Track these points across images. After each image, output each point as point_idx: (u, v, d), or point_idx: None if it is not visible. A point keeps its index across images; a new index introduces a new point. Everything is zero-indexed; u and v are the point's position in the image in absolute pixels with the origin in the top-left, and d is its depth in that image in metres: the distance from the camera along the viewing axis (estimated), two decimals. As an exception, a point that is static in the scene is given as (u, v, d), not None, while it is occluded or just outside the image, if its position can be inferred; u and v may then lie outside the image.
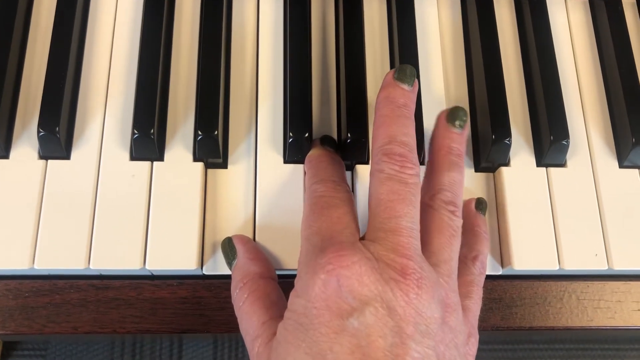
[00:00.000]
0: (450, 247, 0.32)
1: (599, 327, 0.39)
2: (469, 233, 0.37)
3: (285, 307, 0.31)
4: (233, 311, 0.34)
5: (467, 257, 0.36)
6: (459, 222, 0.34)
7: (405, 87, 0.34)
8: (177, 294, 0.38)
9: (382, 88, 0.35)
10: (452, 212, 0.33)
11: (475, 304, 0.35)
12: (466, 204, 0.39)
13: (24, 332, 0.36)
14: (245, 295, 0.33)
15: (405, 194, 0.31)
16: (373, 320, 0.27)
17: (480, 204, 0.39)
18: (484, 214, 0.39)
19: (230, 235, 0.37)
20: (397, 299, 0.28)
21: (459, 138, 0.36)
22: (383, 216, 0.31)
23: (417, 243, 0.30)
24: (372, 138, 0.34)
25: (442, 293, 0.30)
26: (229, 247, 0.36)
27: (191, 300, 0.38)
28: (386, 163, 0.32)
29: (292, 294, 0.30)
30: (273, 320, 0.32)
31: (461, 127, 0.36)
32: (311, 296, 0.28)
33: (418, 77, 0.36)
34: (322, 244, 0.30)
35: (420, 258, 0.30)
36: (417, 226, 0.31)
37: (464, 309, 0.33)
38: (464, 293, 0.34)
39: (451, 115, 0.36)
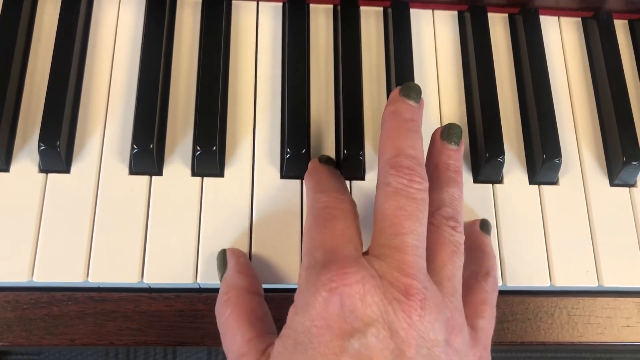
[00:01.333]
0: (452, 264, 0.31)
1: (589, 343, 0.40)
2: (476, 251, 0.37)
3: (271, 323, 0.31)
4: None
5: (478, 274, 0.35)
6: (460, 237, 0.33)
7: (412, 103, 0.34)
8: (173, 307, 0.38)
9: (389, 103, 0.34)
10: (453, 228, 0.32)
11: (489, 323, 0.33)
12: (471, 224, 0.39)
13: (22, 344, 0.36)
14: (230, 310, 0.33)
15: (412, 210, 0.30)
16: (374, 342, 0.27)
17: (484, 224, 0.39)
18: (489, 234, 0.39)
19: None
20: (399, 320, 0.27)
21: (456, 154, 0.35)
22: (389, 232, 0.30)
23: (423, 261, 0.29)
24: (379, 151, 0.33)
25: (447, 314, 0.29)
26: (222, 259, 0.36)
27: (188, 313, 0.38)
28: (394, 176, 0.31)
29: (291, 310, 0.30)
30: (259, 337, 0.31)
31: (457, 143, 0.35)
32: (312, 314, 0.28)
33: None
34: (324, 258, 0.29)
35: (424, 277, 0.29)
36: (423, 244, 0.30)
37: (476, 328, 0.32)
38: (476, 312, 0.33)
39: (446, 132, 0.36)
